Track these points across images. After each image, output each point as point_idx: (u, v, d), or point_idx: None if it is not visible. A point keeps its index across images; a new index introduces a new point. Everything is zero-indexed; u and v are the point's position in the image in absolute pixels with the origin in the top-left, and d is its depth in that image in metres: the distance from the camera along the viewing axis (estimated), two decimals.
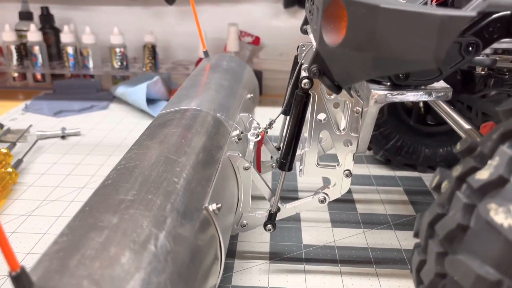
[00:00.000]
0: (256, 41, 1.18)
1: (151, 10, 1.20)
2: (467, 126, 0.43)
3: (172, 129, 0.43)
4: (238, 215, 0.48)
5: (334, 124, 0.43)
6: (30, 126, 0.86)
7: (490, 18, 0.36)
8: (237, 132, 0.50)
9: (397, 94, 0.39)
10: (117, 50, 1.07)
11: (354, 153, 0.44)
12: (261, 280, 0.47)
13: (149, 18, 1.20)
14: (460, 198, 0.26)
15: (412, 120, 0.70)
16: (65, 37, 1.08)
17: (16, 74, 1.14)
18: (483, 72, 0.48)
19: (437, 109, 0.49)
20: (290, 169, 0.43)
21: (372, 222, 0.59)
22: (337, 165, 0.45)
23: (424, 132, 0.72)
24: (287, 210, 0.47)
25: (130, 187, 0.32)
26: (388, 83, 0.39)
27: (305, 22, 0.55)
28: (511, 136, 0.25)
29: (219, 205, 0.36)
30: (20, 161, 0.70)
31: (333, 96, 0.46)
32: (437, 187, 0.29)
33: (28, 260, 0.49)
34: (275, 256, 0.51)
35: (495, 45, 0.38)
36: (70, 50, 1.08)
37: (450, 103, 0.48)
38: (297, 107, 0.40)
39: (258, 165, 0.56)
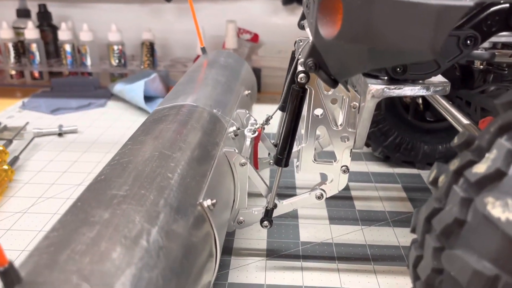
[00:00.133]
0: (255, 38, 1.18)
1: (149, 7, 1.19)
2: (465, 121, 0.42)
3: (168, 125, 0.43)
4: (234, 211, 0.47)
5: (331, 120, 0.42)
6: (27, 123, 0.86)
7: (488, 11, 0.35)
8: (234, 128, 0.50)
9: (395, 89, 0.38)
10: (115, 47, 1.07)
11: (351, 149, 0.44)
12: (258, 277, 0.47)
13: (147, 15, 1.20)
14: (457, 192, 0.25)
15: (410, 116, 0.70)
16: (63, 34, 1.07)
17: (13, 72, 1.14)
18: (481, 67, 0.48)
19: (436, 105, 0.49)
20: (286, 165, 0.43)
21: (370, 219, 0.58)
22: (334, 161, 0.44)
23: (423, 128, 0.71)
24: (284, 206, 0.47)
25: (123, 182, 0.32)
26: (386, 78, 0.39)
27: (303, 17, 0.55)
28: (509, 128, 0.24)
29: (214, 200, 0.36)
30: (16, 159, 0.70)
31: (331, 91, 0.45)
32: (434, 182, 0.28)
33: (22, 258, 0.49)
34: (272, 253, 0.51)
35: (494, 39, 0.38)
36: (67, 47, 1.08)
37: (449, 98, 0.48)
38: (293, 102, 0.40)
39: (255, 162, 0.56)
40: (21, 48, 1.10)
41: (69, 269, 0.23)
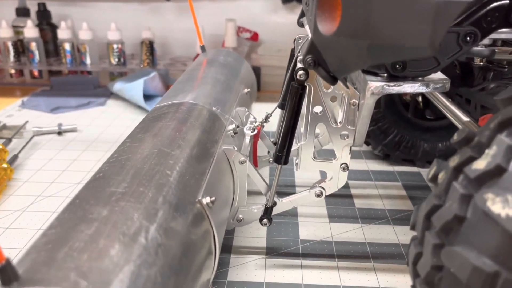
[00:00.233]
0: (254, 37, 1.18)
1: (148, 6, 1.19)
2: (465, 118, 0.42)
3: (167, 122, 0.43)
4: (234, 209, 0.47)
5: (330, 117, 0.42)
6: (26, 122, 0.86)
7: (488, 7, 0.35)
8: (233, 126, 0.50)
9: (394, 86, 0.38)
10: (115, 46, 1.06)
11: (351, 147, 0.44)
12: (257, 275, 0.47)
13: (147, 14, 1.19)
14: (457, 188, 0.25)
15: (410, 114, 0.70)
16: (62, 33, 1.07)
17: (13, 71, 1.14)
18: (481, 64, 0.47)
19: (435, 102, 0.49)
20: (286, 162, 0.43)
21: (370, 217, 0.58)
22: (334, 159, 0.44)
23: (423, 126, 0.71)
24: (283, 204, 0.47)
25: (121, 179, 0.32)
26: (385, 75, 0.39)
27: (302, 14, 0.54)
28: (509, 124, 0.24)
29: (213, 198, 0.36)
30: (15, 157, 0.70)
31: (330, 89, 0.45)
32: (434, 178, 0.28)
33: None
34: (271, 251, 0.51)
35: (494, 36, 0.38)
36: (67, 46, 1.08)
37: (448, 96, 0.47)
38: (292, 99, 0.40)
39: (255, 160, 0.55)
40: (21, 47, 1.10)
41: (67, 266, 0.23)
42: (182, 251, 0.30)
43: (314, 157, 0.45)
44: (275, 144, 0.59)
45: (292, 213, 0.58)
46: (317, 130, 0.43)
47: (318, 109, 0.42)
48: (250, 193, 0.49)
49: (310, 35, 0.36)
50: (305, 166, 0.45)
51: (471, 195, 0.24)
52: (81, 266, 0.23)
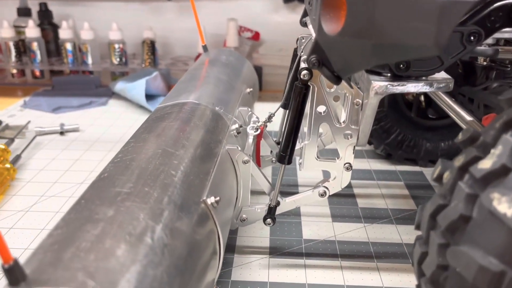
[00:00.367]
0: (256, 36, 1.18)
1: (150, 6, 1.19)
2: (469, 118, 0.42)
3: (170, 123, 0.43)
4: (237, 209, 0.47)
5: (334, 117, 0.42)
6: (29, 122, 0.86)
7: (492, 7, 0.35)
8: (236, 125, 0.50)
9: (398, 85, 0.38)
10: (116, 46, 1.07)
11: (354, 146, 0.44)
12: (261, 275, 0.47)
13: (148, 13, 1.19)
14: (462, 188, 0.25)
15: (413, 113, 0.70)
16: (64, 33, 1.07)
17: (14, 71, 1.14)
18: (484, 63, 0.47)
19: (438, 102, 0.49)
20: (289, 162, 0.43)
21: (373, 216, 0.58)
22: (337, 158, 0.44)
23: (425, 126, 0.71)
24: (286, 204, 0.47)
25: (126, 179, 0.32)
26: (389, 74, 0.39)
27: (305, 14, 0.54)
28: None
29: (218, 198, 0.36)
30: (18, 157, 0.70)
31: (333, 88, 0.45)
32: (439, 178, 0.28)
33: (26, 256, 0.49)
34: (275, 251, 0.51)
35: (497, 35, 0.38)
36: (68, 46, 1.08)
37: (451, 95, 0.47)
38: (296, 99, 0.40)
39: (258, 159, 0.55)
40: (22, 47, 1.10)
41: (74, 267, 0.23)
42: (188, 251, 0.30)
43: (317, 157, 0.45)
44: (278, 143, 0.59)
45: (295, 213, 0.58)
46: (320, 130, 0.43)
47: (321, 108, 0.42)
48: (253, 192, 0.49)
49: (314, 35, 0.36)
50: (308, 166, 0.45)
51: (477, 195, 0.24)
52: (88, 267, 0.23)
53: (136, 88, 0.96)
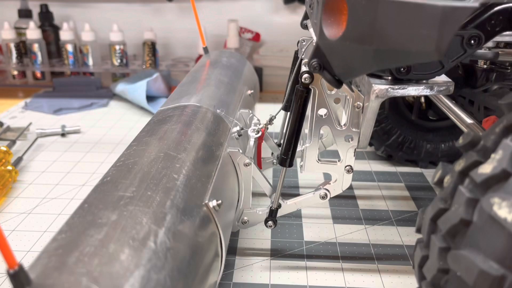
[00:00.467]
0: (256, 37, 1.18)
1: (150, 7, 1.19)
2: (469, 120, 0.42)
3: (172, 126, 0.43)
4: (238, 211, 0.47)
5: (335, 119, 0.43)
6: (30, 124, 0.86)
7: (492, 11, 0.35)
8: (237, 128, 0.50)
9: (399, 89, 0.38)
10: (117, 47, 1.07)
11: (355, 149, 0.44)
12: (263, 277, 0.47)
13: (149, 15, 1.20)
14: (463, 192, 0.25)
15: (413, 115, 0.70)
16: (65, 34, 1.08)
17: (15, 72, 1.14)
18: (485, 66, 0.48)
19: (439, 104, 0.49)
20: (291, 165, 0.43)
21: (373, 218, 0.58)
22: (338, 160, 0.45)
23: (426, 127, 0.71)
24: (288, 206, 0.47)
25: (129, 183, 0.32)
26: (389, 78, 0.39)
27: (305, 16, 0.55)
28: None
29: (220, 201, 0.36)
30: (20, 159, 0.70)
31: (334, 91, 0.46)
32: (439, 182, 0.28)
33: (28, 258, 0.49)
34: (276, 253, 0.51)
35: (498, 38, 0.38)
36: (69, 47, 1.08)
37: (451, 97, 0.48)
38: (297, 102, 0.40)
39: (259, 162, 0.56)
40: (23, 48, 1.11)
41: (78, 271, 0.23)
42: (190, 255, 0.30)
43: (318, 159, 0.45)
44: (279, 145, 0.59)
45: (296, 215, 0.58)
46: (321, 131, 0.44)
47: (322, 111, 0.42)
48: (254, 194, 0.49)
49: (315, 38, 0.36)
50: (309, 168, 0.45)
51: (477, 199, 0.25)
52: (92, 271, 0.24)
53: (137, 90, 0.96)
